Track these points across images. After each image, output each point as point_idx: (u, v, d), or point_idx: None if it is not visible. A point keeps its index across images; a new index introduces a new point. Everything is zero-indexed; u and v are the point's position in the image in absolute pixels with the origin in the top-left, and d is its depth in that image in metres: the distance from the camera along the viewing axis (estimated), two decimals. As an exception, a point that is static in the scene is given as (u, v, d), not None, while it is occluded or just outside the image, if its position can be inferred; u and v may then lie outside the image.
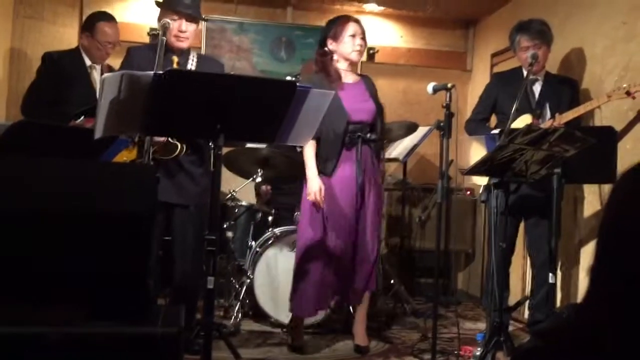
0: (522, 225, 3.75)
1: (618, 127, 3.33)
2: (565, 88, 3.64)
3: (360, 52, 3.36)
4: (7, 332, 1.75)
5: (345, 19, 3.39)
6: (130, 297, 1.94)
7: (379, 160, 3.46)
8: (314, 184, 3.24)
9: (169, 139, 3.00)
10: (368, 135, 3.33)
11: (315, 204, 3.26)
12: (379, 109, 3.41)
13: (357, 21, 3.40)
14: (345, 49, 3.33)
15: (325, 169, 3.29)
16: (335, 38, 3.34)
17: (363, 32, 3.37)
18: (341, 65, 3.38)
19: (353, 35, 3.32)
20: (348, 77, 3.40)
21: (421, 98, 4.08)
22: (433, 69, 5.55)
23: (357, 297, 3.44)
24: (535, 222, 3.62)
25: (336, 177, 3.31)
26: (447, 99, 3.03)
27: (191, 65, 3.18)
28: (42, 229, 1.89)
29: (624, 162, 3.12)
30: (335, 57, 3.37)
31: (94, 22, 3.83)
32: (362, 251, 3.34)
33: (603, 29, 3.77)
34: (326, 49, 3.37)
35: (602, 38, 3.76)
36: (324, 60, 3.37)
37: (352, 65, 3.43)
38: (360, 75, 3.57)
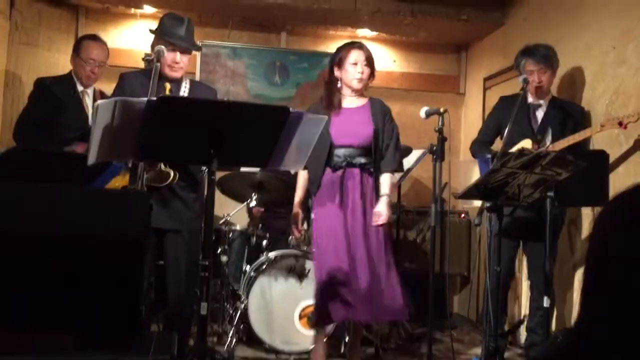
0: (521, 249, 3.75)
1: (609, 151, 3.35)
2: (570, 114, 3.62)
3: (361, 80, 3.36)
4: (-4, 361, 1.74)
5: (349, 47, 3.41)
6: (122, 324, 1.93)
7: (375, 182, 3.38)
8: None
9: (162, 167, 2.99)
10: (357, 159, 3.33)
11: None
12: (382, 133, 3.37)
13: (361, 47, 3.41)
14: (346, 76, 3.36)
15: (312, 189, 3.38)
16: (340, 65, 3.37)
17: (367, 59, 3.37)
18: (345, 92, 3.40)
19: (355, 63, 3.34)
20: (351, 102, 3.41)
21: (415, 121, 4.10)
22: (426, 92, 5.60)
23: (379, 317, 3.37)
24: (532, 245, 3.62)
25: (321, 198, 3.32)
26: (440, 124, 3.05)
27: (184, 91, 3.18)
28: (33, 254, 1.88)
29: (615, 185, 3.13)
30: (339, 84, 3.39)
31: (80, 41, 3.91)
32: (367, 273, 3.23)
33: (593, 53, 3.81)
34: (334, 75, 3.41)
35: (592, 63, 3.80)
36: (328, 87, 3.44)
37: (356, 91, 3.41)
38: (370, 99, 3.50)
